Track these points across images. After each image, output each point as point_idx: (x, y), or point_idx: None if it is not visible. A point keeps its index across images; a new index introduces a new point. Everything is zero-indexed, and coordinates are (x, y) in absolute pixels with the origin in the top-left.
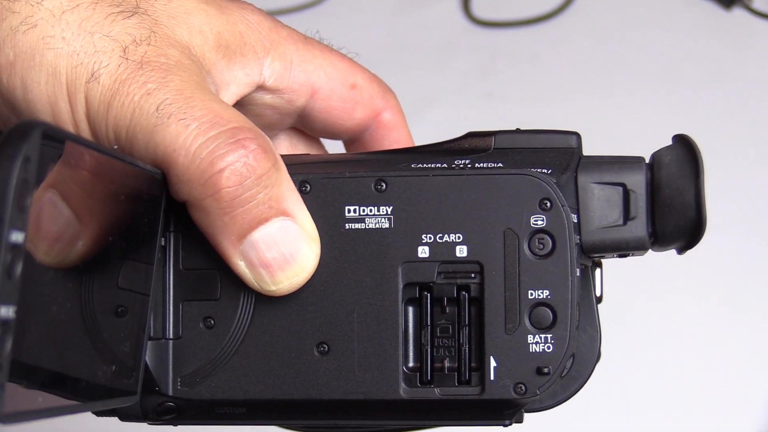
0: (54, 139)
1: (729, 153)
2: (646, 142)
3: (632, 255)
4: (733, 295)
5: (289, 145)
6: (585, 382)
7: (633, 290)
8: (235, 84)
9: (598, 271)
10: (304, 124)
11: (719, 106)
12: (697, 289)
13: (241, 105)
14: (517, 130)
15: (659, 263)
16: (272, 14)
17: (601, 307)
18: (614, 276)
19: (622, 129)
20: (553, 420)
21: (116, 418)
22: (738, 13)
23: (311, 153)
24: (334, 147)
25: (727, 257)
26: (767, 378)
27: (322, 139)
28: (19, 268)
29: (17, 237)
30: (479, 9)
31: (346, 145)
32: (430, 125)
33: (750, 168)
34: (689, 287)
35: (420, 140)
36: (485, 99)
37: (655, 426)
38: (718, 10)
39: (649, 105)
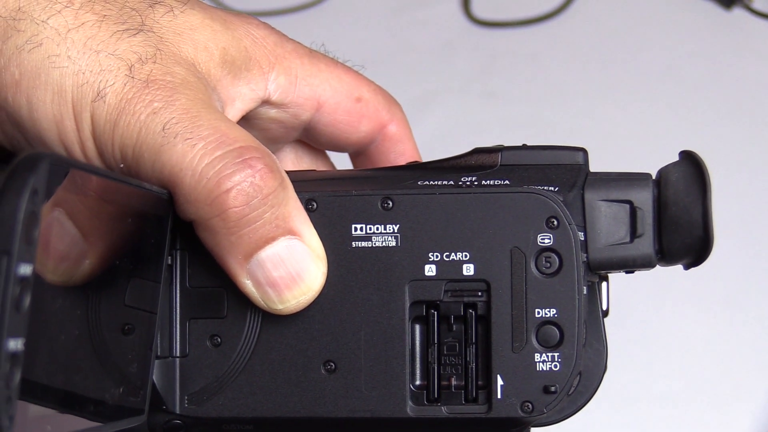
0: (61, 167)
1: (729, 153)
2: (646, 142)
3: (639, 271)
4: (734, 295)
5: (294, 158)
6: (592, 397)
7: (632, 290)
8: (240, 100)
9: (604, 284)
10: (310, 138)
11: (719, 106)
12: (697, 288)
13: (246, 120)
14: (524, 146)
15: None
16: (272, 15)
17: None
18: (614, 277)
19: (621, 129)
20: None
21: None
22: (738, 13)
23: (317, 165)
24: (340, 159)
25: (726, 258)
26: (767, 378)
27: (327, 152)
28: (27, 301)
29: (25, 270)
30: (479, 9)
31: (352, 157)
32: (430, 125)
33: (750, 168)
34: (689, 287)
35: (420, 140)
36: (485, 99)
37: (655, 426)
38: (718, 10)
39: (649, 105)
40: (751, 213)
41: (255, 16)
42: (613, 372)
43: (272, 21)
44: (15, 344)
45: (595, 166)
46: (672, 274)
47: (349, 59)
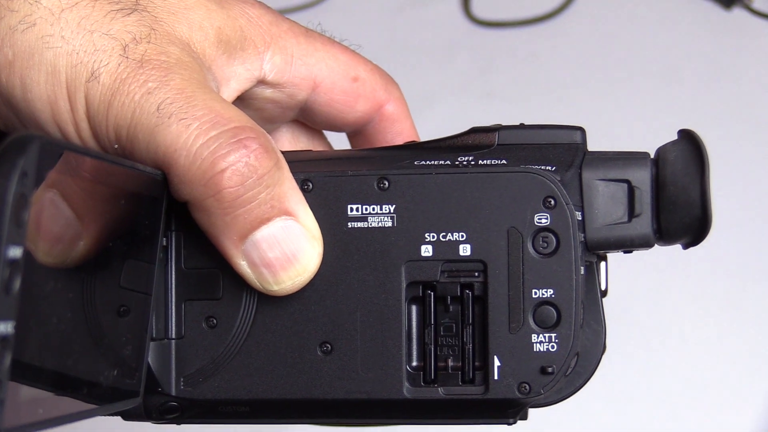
0: (52, 149)
1: (729, 153)
2: (646, 142)
3: (637, 250)
4: (734, 294)
5: (291, 137)
6: (590, 377)
7: (633, 290)
8: (235, 79)
9: (603, 264)
10: (307, 118)
11: (719, 105)
12: (698, 288)
13: (242, 100)
14: (521, 125)
15: (659, 262)
16: None
17: (604, 305)
18: (615, 275)
19: (621, 129)
20: (551, 419)
21: (119, 417)
22: (738, 13)
23: (314, 145)
24: (338, 139)
25: (726, 256)
26: (767, 378)
27: (324, 132)
28: (17, 284)
29: (15, 252)
30: (479, 9)
31: (350, 137)
32: (430, 125)
33: (750, 167)
34: (689, 287)
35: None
36: (485, 99)
37: (655, 425)
38: (718, 10)
39: (649, 105)
40: (751, 212)
41: None
42: (614, 372)
43: None
44: (5, 327)
45: None
46: (671, 274)
47: (345, 38)
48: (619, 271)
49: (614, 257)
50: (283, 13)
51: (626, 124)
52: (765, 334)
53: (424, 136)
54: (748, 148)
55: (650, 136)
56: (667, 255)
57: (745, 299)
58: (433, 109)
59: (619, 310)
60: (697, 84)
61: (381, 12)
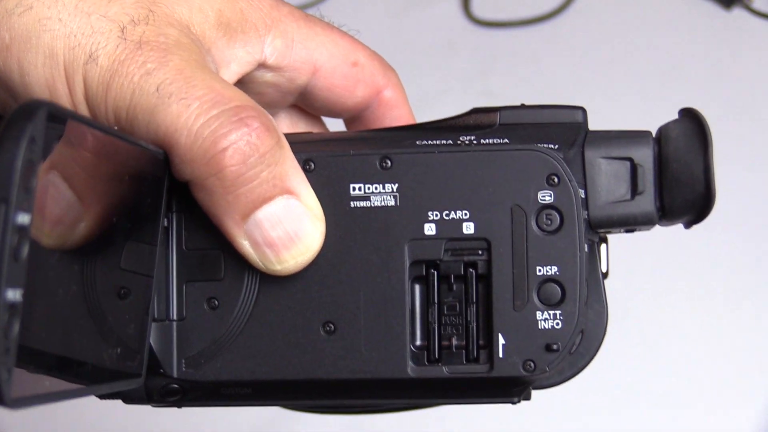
0: (58, 118)
1: (729, 153)
2: None
3: (639, 230)
4: (734, 294)
5: (289, 123)
6: (593, 358)
7: (633, 289)
8: (235, 62)
9: (603, 246)
10: (306, 102)
11: (719, 106)
12: (698, 288)
13: (242, 83)
14: (522, 106)
15: (660, 263)
16: None
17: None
18: (616, 275)
19: (621, 129)
20: (551, 419)
21: (120, 401)
22: (738, 13)
23: (312, 131)
24: (335, 125)
25: (727, 256)
26: (767, 378)
27: (323, 117)
28: (25, 250)
29: (23, 219)
30: (479, 9)
31: (347, 123)
32: None
33: (750, 168)
34: (689, 286)
35: None
36: (485, 99)
37: (655, 425)
38: (718, 10)
39: (649, 105)
40: (752, 213)
41: None
42: (614, 371)
43: None
44: (14, 294)
45: None
46: (672, 274)
47: (344, 24)
48: (619, 270)
49: (614, 245)
50: None
51: (626, 124)
52: (765, 334)
53: None
54: (748, 148)
55: None
56: (668, 254)
57: (746, 299)
58: (433, 109)
59: (619, 311)
60: (697, 84)
61: (381, 12)
